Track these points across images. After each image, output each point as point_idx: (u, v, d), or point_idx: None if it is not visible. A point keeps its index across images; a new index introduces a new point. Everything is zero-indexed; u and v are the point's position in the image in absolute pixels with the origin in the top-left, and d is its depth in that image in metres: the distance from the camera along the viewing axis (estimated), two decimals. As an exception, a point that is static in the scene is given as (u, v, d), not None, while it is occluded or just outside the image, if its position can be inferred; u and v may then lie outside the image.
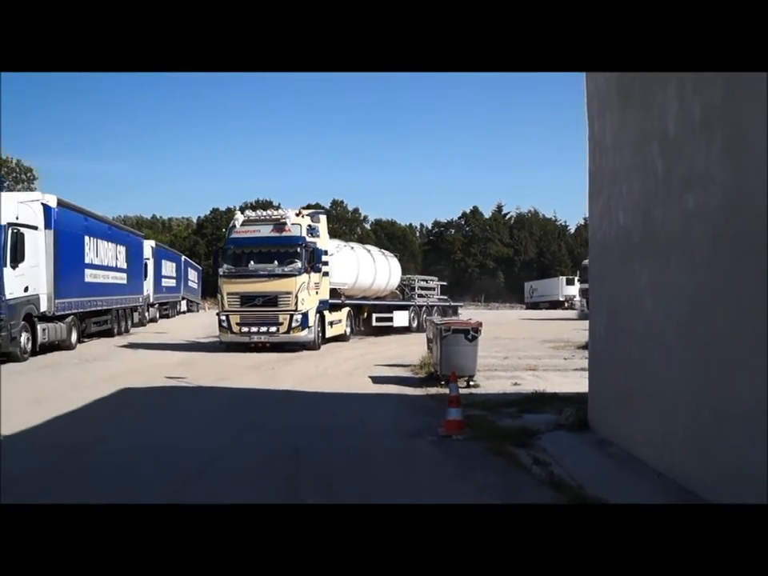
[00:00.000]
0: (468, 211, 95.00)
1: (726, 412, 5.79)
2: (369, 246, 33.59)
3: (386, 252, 34.65)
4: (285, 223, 22.31)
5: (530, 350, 21.49)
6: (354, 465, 8.07)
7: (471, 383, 13.36)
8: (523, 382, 13.68)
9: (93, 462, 8.17)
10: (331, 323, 24.32)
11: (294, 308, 21.74)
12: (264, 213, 23.48)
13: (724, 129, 5.83)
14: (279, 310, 21.82)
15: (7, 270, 17.56)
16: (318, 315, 22.72)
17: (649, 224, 7.32)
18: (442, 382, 12.89)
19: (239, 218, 23.31)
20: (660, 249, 7.06)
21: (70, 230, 21.70)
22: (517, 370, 16.08)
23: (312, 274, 22.33)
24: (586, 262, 47.68)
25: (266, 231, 22.57)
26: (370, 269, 28.93)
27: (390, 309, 30.34)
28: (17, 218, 18.59)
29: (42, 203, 19.94)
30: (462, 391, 11.82)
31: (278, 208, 22.90)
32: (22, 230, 18.60)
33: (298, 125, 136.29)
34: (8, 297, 17.23)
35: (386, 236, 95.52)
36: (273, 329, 21.91)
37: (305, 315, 21.93)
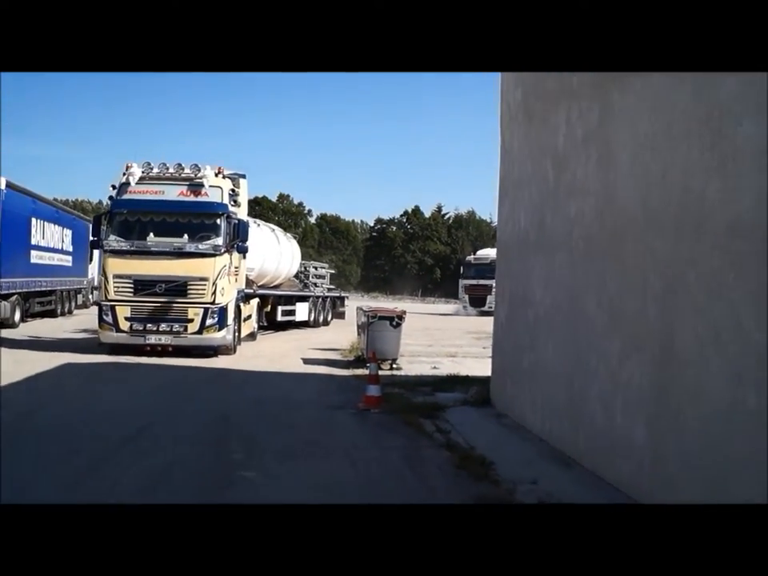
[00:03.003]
0: (409, 210, 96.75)
1: (589, 385, 6.99)
2: (271, 225, 28.72)
3: (287, 233, 30.21)
4: (201, 184, 16.40)
5: (455, 339, 22.54)
6: (277, 429, 9.06)
7: (394, 366, 14.46)
8: (442, 367, 14.77)
9: (39, 426, 8.81)
10: (245, 319, 19.01)
11: (210, 300, 16.10)
12: (171, 168, 16.72)
13: (598, 148, 7.03)
14: (189, 303, 16.16)
15: (-48, 249, 17.83)
16: (235, 309, 17.27)
17: (542, 226, 8.51)
18: (368, 364, 13.91)
19: (135, 171, 16.49)
20: (549, 247, 8.25)
21: (17, 211, 22.16)
22: (438, 356, 17.20)
23: (234, 255, 16.85)
24: (469, 257, 48.65)
25: (173, 193, 16.47)
26: (275, 251, 23.83)
27: (293, 300, 25.34)
28: None
29: None
30: (385, 373, 12.95)
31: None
32: None
33: (243, 116, 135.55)
34: (-49, 274, 17.53)
35: (331, 230, 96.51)
36: (178, 327, 16.11)
37: (223, 310, 16.29)
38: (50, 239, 26.08)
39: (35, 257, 24.22)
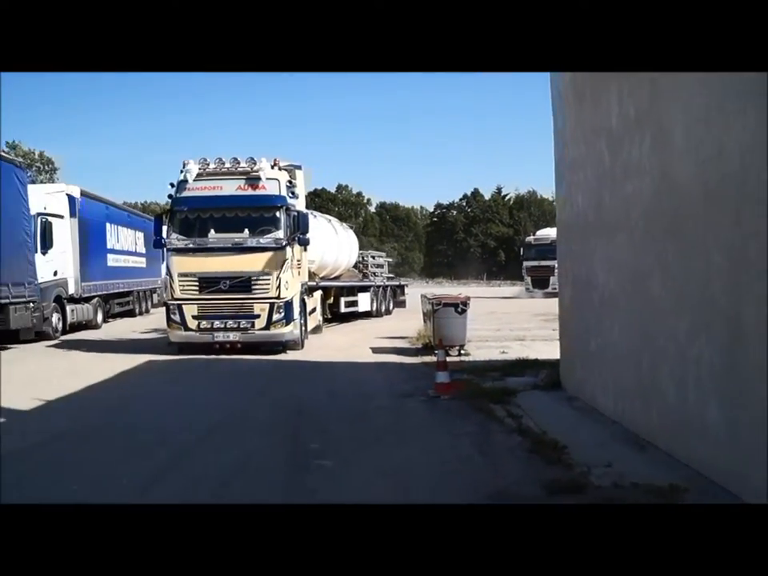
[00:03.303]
0: (469, 193, 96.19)
1: (658, 366, 6.97)
2: (327, 216, 28.51)
3: (343, 223, 29.71)
4: (258, 177, 16.20)
5: (522, 322, 22.45)
6: (350, 419, 9.32)
7: (462, 352, 14.59)
8: (510, 351, 14.81)
9: (127, 418, 9.46)
10: (310, 312, 18.62)
11: (275, 295, 15.91)
12: (227, 163, 16.63)
13: (651, 127, 7.01)
14: (255, 298, 15.98)
15: (38, 256, 18.88)
16: (300, 303, 17.04)
17: (599, 207, 8.52)
18: (436, 351, 14.03)
19: (192, 168, 16.36)
20: (608, 228, 8.26)
21: (92, 218, 23.33)
22: (506, 340, 17.23)
23: (295, 248, 16.70)
24: (529, 238, 47.43)
25: (231, 188, 16.24)
26: (334, 242, 23.35)
27: (355, 291, 24.95)
28: (44, 208, 20.00)
29: (67, 194, 21.46)
30: (453, 359, 13.09)
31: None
32: (50, 219, 20.04)
33: (303, 112, 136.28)
34: (39, 281, 18.52)
35: (391, 218, 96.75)
36: (246, 323, 15.99)
37: (289, 304, 16.12)
38: (123, 242, 27.37)
39: (111, 260, 25.49)
